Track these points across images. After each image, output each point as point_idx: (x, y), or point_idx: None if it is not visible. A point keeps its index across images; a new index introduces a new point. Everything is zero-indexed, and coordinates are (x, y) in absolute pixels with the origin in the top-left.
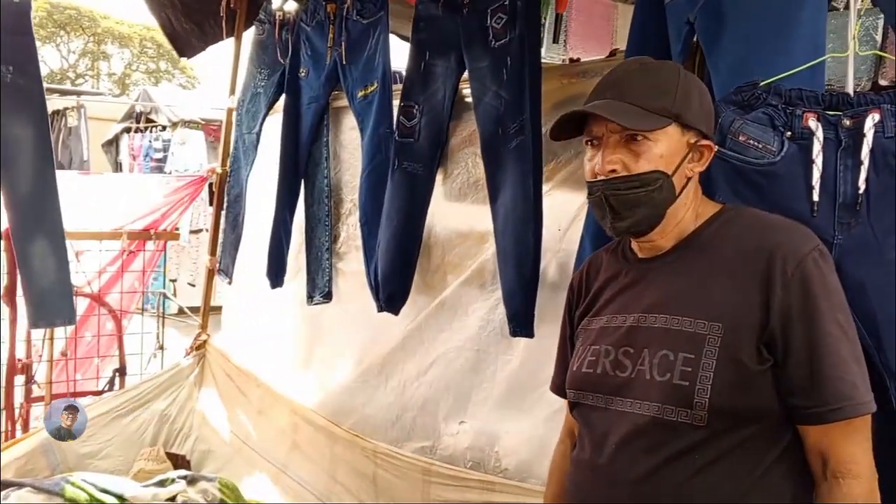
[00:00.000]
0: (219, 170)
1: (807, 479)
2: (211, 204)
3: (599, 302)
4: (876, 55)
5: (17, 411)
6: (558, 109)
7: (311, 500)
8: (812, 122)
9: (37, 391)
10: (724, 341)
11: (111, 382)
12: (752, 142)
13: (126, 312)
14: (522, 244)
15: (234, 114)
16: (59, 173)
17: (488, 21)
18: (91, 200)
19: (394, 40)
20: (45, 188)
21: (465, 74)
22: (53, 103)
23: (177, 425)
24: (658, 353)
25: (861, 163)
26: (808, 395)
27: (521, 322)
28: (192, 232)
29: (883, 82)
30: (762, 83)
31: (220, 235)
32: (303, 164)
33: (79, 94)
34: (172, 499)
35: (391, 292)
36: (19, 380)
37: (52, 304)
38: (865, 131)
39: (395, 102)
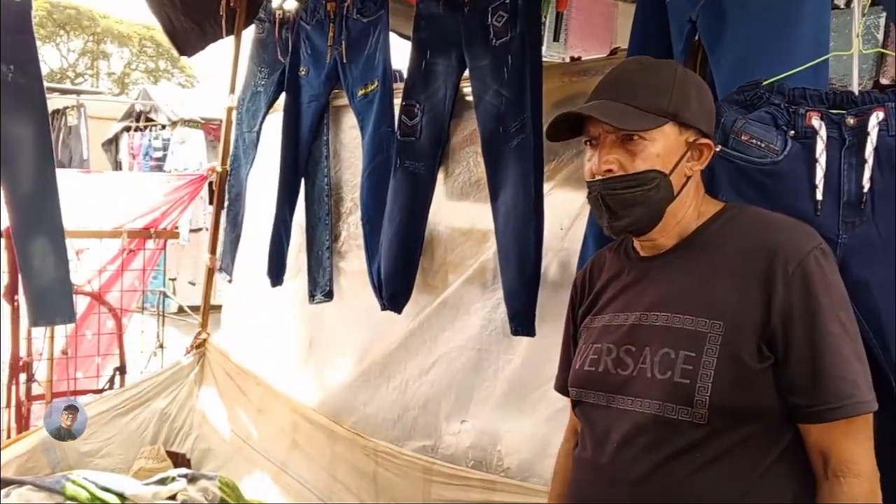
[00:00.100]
0: (219, 168)
1: (808, 479)
2: (211, 203)
3: (602, 300)
4: (876, 54)
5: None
6: (559, 108)
7: (311, 499)
8: (815, 121)
9: (37, 389)
10: (725, 339)
11: (111, 381)
12: (754, 141)
13: (126, 311)
14: (524, 243)
15: (235, 112)
16: (59, 172)
17: (489, 19)
18: (91, 199)
19: (394, 39)
20: (45, 187)
21: (466, 73)
22: (53, 102)
23: (177, 424)
24: (659, 351)
25: (865, 161)
26: (810, 393)
27: (522, 321)
28: (192, 231)
29: (884, 81)
30: (765, 82)
31: (221, 234)
32: (303, 162)
33: (78, 93)
34: (173, 497)
35: (394, 291)
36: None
37: (53, 302)
38: (869, 130)
39: (396, 101)
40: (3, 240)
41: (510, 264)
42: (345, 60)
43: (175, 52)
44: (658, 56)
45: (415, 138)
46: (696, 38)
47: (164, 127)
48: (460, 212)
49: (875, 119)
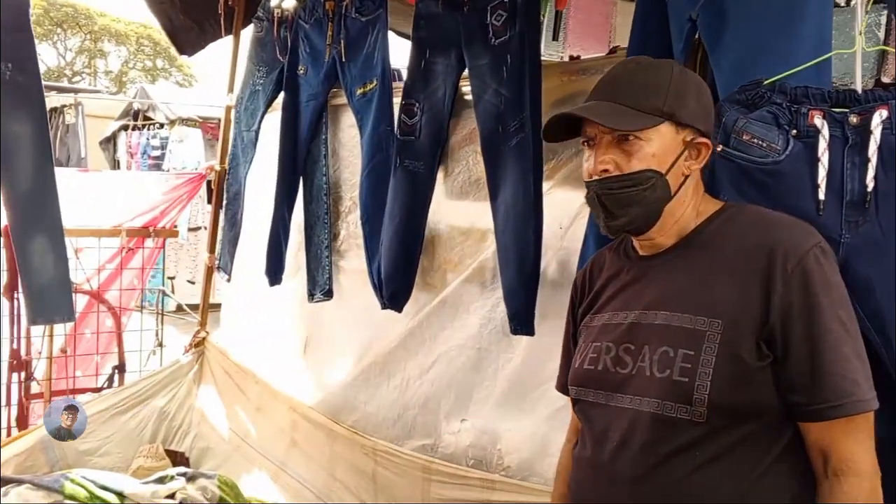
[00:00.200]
0: (217, 167)
1: (808, 478)
2: (209, 201)
3: (601, 299)
4: (877, 53)
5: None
6: (558, 107)
7: (310, 498)
8: (818, 120)
9: (36, 388)
10: (723, 338)
11: (110, 379)
12: (756, 141)
13: (125, 309)
14: (523, 242)
15: (233, 111)
16: (57, 170)
17: (488, 18)
18: (90, 198)
19: (394, 38)
20: (44, 185)
21: (466, 72)
22: (51, 101)
23: (176, 422)
24: (658, 349)
25: (869, 160)
26: (809, 391)
27: (522, 320)
28: (190, 229)
29: (885, 79)
30: (766, 81)
31: (219, 233)
32: (301, 161)
33: (76, 91)
34: (171, 496)
35: (394, 290)
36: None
37: (52, 300)
38: (873, 128)
39: (396, 100)
40: (2, 238)
41: (510, 263)
42: (343, 59)
43: (173, 51)
44: (658, 55)
45: (414, 137)
46: (697, 36)
47: (162, 126)
48: (460, 211)
49: (878, 117)
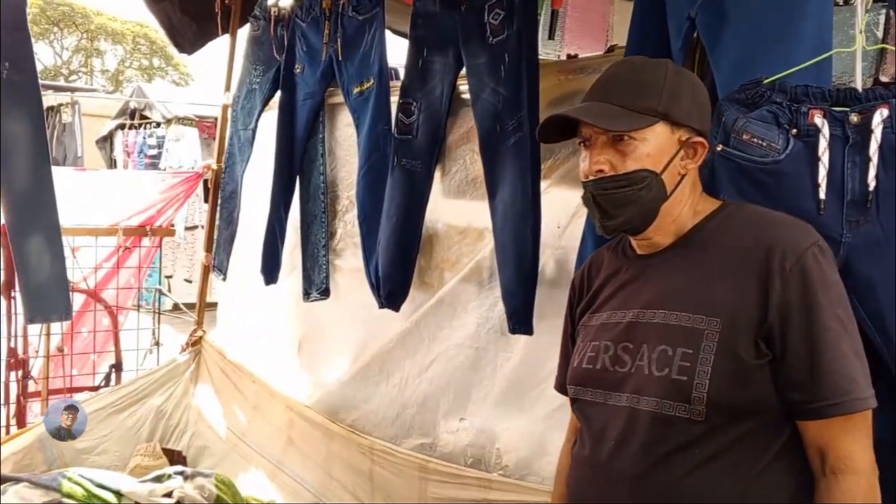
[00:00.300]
0: (214, 166)
1: (807, 476)
2: (206, 200)
3: (600, 298)
4: (875, 51)
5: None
6: (555, 106)
7: (307, 497)
8: (818, 119)
9: (33, 386)
10: (722, 336)
11: (107, 378)
12: (756, 140)
13: (122, 308)
14: (521, 241)
15: (230, 110)
16: (54, 169)
17: (486, 17)
18: (87, 196)
19: (391, 37)
20: (41, 184)
21: (463, 71)
22: (47, 100)
23: (173, 421)
24: (657, 348)
25: (870, 159)
26: (808, 389)
27: (520, 319)
28: (187, 228)
29: (884, 79)
30: (766, 80)
31: (215, 232)
32: (298, 160)
33: (73, 90)
34: (169, 494)
35: (391, 289)
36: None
37: (48, 299)
38: (874, 127)
39: (393, 99)
40: None
41: (508, 262)
42: (340, 58)
43: (170, 50)
44: (656, 54)
45: (412, 136)
46: (696, 35)
47: (158, 125)
48: (457, 210)
49: (879, 116)
